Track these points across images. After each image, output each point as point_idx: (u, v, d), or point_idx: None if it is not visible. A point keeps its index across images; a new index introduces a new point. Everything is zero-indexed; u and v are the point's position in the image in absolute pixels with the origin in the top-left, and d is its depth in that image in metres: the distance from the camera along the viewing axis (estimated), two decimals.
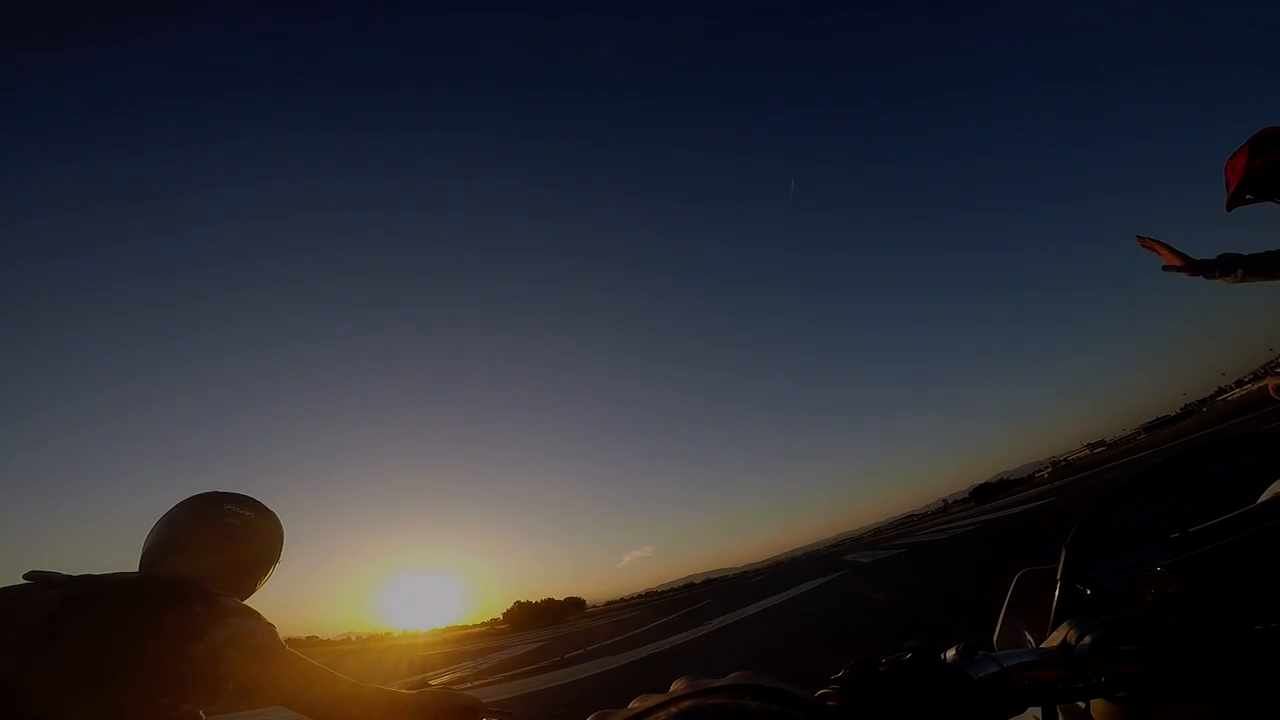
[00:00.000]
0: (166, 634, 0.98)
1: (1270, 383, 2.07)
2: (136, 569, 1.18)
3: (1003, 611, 0.69)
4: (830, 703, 0.54)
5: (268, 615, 1.09)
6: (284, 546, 1.39)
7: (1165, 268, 1.86)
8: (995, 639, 0.69)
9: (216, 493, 1.29)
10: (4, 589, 1.00)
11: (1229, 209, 1.94)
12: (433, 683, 1.20)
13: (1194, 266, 1.81)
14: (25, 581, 1.01)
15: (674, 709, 0.54)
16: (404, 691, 1.11)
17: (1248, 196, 1.87)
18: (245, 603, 1.13)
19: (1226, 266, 1.78)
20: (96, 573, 1.07)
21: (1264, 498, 0.77)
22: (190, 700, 0.99)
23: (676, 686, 0.54)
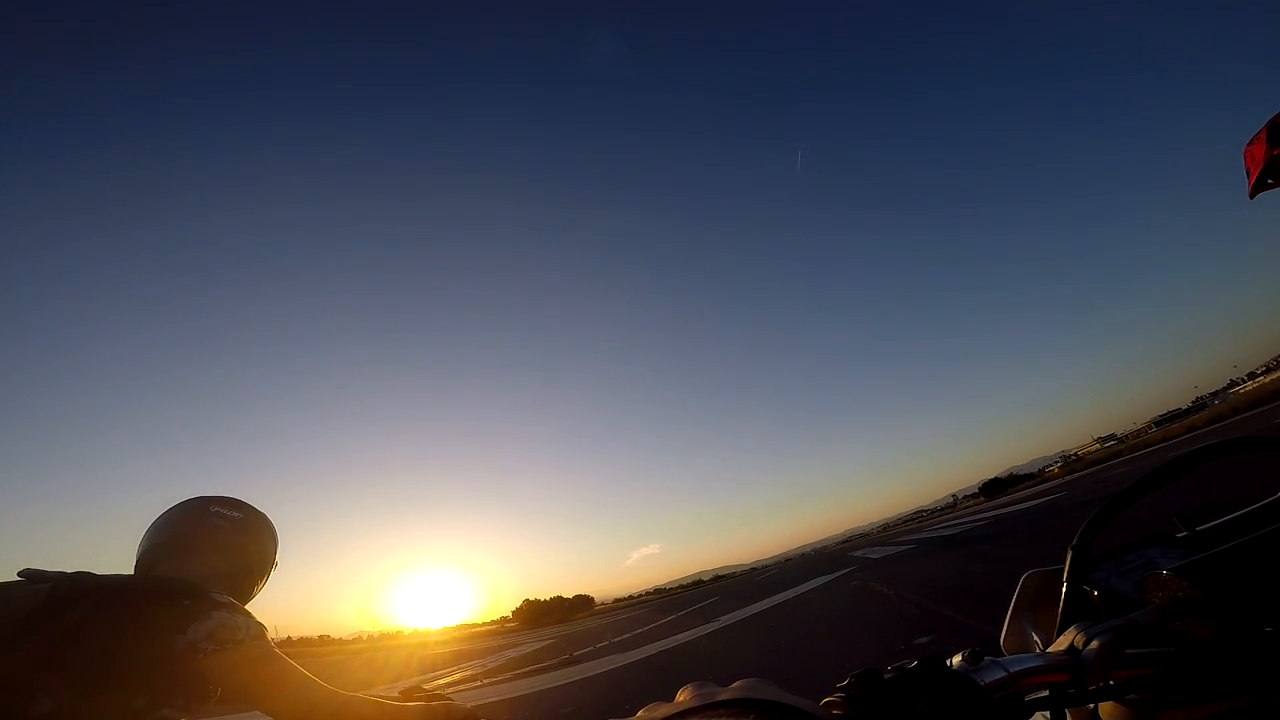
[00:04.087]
0: (150, 629, 0.95)
1: None
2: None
3: (1009, 613, 0.69)
4: (835, 712, 0.54)
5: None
6: (279, 547, 1.37)
7: None
8: (1002, 640, 0.68)
9: (203, 496, 1.28)
10: None
11: (1252, 196, 1.89)
12: (428, 686, 1.16)
13: None
14: (18, 579, 1.00)
15: None
16: (396, 703, 1.08)
17: (1270, 182, 1.85)
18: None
19: None
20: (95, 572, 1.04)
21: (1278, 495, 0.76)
22: (169, 704, 0.96)
23: (682, 695, 0.54)
